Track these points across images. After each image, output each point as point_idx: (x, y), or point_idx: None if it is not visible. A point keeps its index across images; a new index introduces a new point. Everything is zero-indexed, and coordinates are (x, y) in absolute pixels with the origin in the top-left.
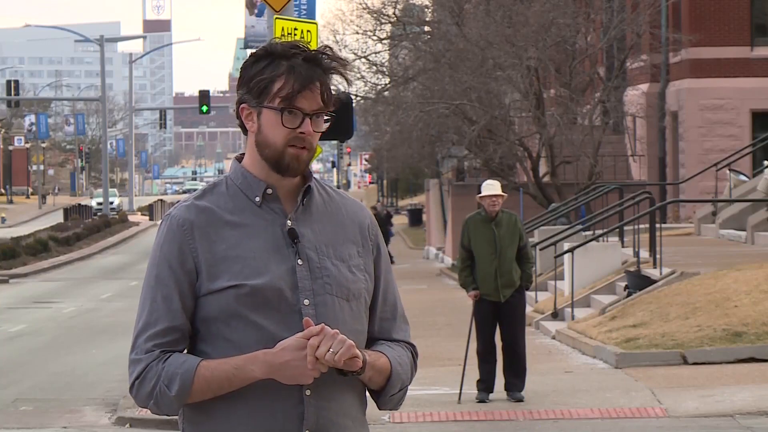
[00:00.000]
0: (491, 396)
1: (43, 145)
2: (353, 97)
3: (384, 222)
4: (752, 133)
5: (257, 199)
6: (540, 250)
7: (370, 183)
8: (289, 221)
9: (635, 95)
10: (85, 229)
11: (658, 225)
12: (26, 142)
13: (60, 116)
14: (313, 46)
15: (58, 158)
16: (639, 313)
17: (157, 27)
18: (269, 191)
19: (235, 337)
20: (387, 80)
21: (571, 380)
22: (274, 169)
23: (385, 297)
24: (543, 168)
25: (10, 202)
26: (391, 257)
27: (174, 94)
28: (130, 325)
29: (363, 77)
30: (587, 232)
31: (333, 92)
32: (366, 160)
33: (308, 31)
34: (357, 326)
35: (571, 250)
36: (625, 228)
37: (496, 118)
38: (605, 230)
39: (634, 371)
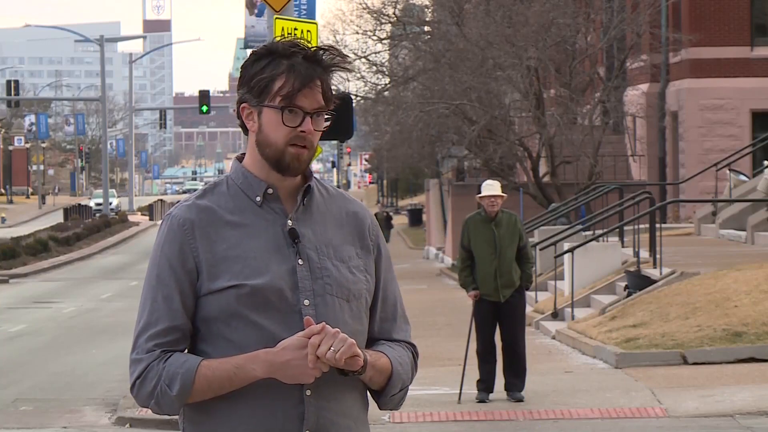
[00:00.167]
0: (491, 396)
1: (43, 145)
2: (353, 97)
3: (384, 225)
4: (752, 133)
5: (258, 198)
6: (540, 250)
7: (370, 183)
8: (289, 221)
9: (635, 95)
10: (85, 229)
11: (658, 225)
12: (26, 142)
13: (60, 116)
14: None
15: (58, 158)
16: (639, 313)
17: (157, 27)
18: (270, 191)
19: (235, 337)
20: (387, 80)
21: (571, 380)
22: (275, 169)
23: (385, 297)
24: (543, 168)
25: (10, 202)
26: None
27: (174, 94)
28: (130, 325)
29: (363, 77)
30: (587, 232)
31: (333, 91)
32: (366, 160)
33: (308, 31)
34: (357, 326)
35: (571, 250)
36: (625, 228)
37: (496, 118)
38: (605, 230)
39: (634, 371)
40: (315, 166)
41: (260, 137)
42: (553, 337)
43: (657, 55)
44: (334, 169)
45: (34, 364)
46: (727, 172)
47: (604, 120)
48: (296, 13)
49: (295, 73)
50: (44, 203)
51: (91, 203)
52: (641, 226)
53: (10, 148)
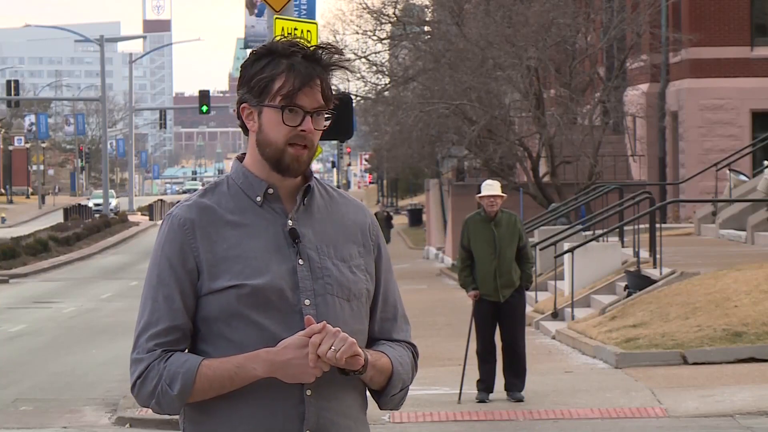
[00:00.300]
0: (491, 396)
1: (43, 145)
2: (353, 97)
3: (384, 225)
4: (752, 133)
5: (258, 198)
6: (540, 250)
7: (370, 183)
8: (290, 221)
9: (635, 95)
10: (85, 229)
11: (658, 225)
12: (26, 142)
13: (60, 116)
14: None
15: (58, 158)
16: (639, 313)
17: (157, 27)
18: (270, 191)
19: (235, 336)
20: (387, 80)
21: (571, 380)
22: (275, 169)
23: (385, 297)
24: (543, 168)
25: (10, 202)
26: None
27: (174, 94)
28: (130, 325)
29: (363, 77)
30: (587, 232)
31: (333, 91)
32: (366, 160)
33: (308, 31)
34: (358, 326)
35: (571, 250)
36: (625, 228)
37: (496, 118)
38: (605, 230)
39: (634, 371)
40: (315, 166)
41: (260, 137)
42: (553, 337)
43: (657, 55)
44: (334, 169)
45: (34, 364)
46: (727, 172)
47: (604, 120)
48: (296, 13)
49: (295, 72)
50: (44, 203)
51: (90, 203)
52: (641, 226)
53: (10, 148)
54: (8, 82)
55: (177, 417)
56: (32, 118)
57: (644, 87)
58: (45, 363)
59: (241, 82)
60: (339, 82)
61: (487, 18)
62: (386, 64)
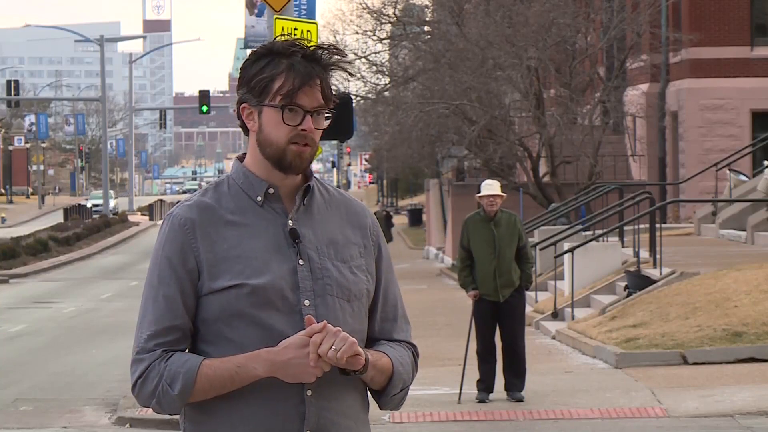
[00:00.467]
0: (491, 396)
1: (43, 145)
2: (353, 97)
3: (384, 224)
4: (752, 133)
5: (259, 198)
6: (540, 250)
7: (370, 183)
8: (290, 221)
9: (635, 95)
10: (85, 229)
11: (658, 225)
12: (26, 142)
13: (60, 116)
14: None
15: (58, 158)
16: (639, 313)
17: (157, 27)
18: (271, 191)
19: (236, 336)
20: (387, 80)
21: (571, 380)
22: (277, 168)
23: (386, 297)
24: (543, 168)
25: (10, 202)
26: None
27: (174, 94)
28: (130, 325)
29: (363, 77)
30: (587, 232)
31: (333, 90)
32: (366, 160)
33: (308, 31)
34: (358, 326)
35: (571, 250)
36: (625, 228)
37: (496, 118)
38: (605, 230)
39: (634, 371)
40: (315, 166)
41: (261, 137)
42: (553, 337)
43: (657, 55)
44: (334, 169)
45: (34, 364)
46: (727, 172)
47: (604, 120)
48: (296, 13)
49: (295, 71)
50: (44, 203)
51: (89, 204)
52: (641, 226)
53: (10, 148)
54: (8, 82)
55: (177, 417)
56: (32, 118)
57: (644, 87)
58: (45, 363)
59: (241, 82)
60: (339, 82)
61: (487, 18)
62: (386, 64)
